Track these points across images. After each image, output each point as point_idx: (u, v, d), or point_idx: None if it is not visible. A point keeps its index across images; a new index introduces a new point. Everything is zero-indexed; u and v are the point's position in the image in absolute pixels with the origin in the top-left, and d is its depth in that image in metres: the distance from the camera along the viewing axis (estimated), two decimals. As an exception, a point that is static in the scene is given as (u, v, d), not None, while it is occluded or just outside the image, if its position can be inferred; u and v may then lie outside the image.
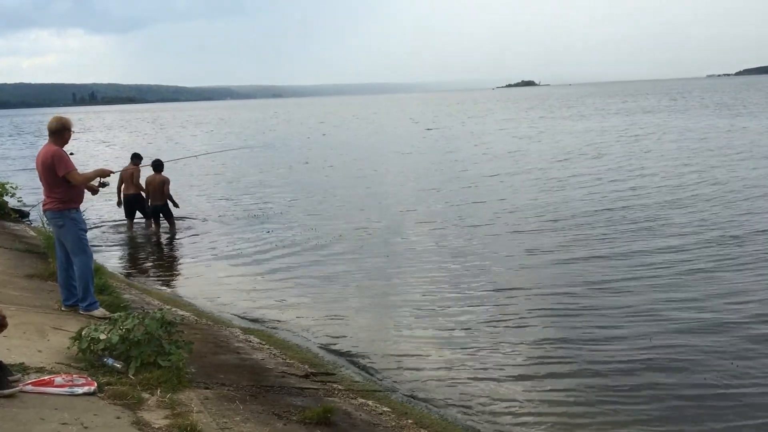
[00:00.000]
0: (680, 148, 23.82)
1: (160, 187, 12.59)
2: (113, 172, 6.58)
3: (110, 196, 16.43)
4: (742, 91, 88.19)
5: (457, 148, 28.23)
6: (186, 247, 11.97)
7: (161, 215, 12.93)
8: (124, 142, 42.30)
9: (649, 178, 16.98)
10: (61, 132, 6.06)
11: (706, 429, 4.98)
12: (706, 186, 15.36)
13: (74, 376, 4.31)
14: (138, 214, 13.16)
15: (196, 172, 22.64)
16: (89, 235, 7.32)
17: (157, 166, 12.70)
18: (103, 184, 6.45)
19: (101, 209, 15.95)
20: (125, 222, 13.32)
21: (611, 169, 18.96)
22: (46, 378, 4.19)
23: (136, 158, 13.05)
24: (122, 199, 12.94)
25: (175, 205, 13.01)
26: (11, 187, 13.30)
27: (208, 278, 9.75)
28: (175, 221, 13.07)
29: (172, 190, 12.94)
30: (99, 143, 42.90)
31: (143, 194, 12.93)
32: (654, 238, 10.62)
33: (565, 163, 21.48)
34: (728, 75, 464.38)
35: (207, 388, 4.74)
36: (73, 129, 6.24)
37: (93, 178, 6.30)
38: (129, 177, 12.74)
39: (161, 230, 13.03)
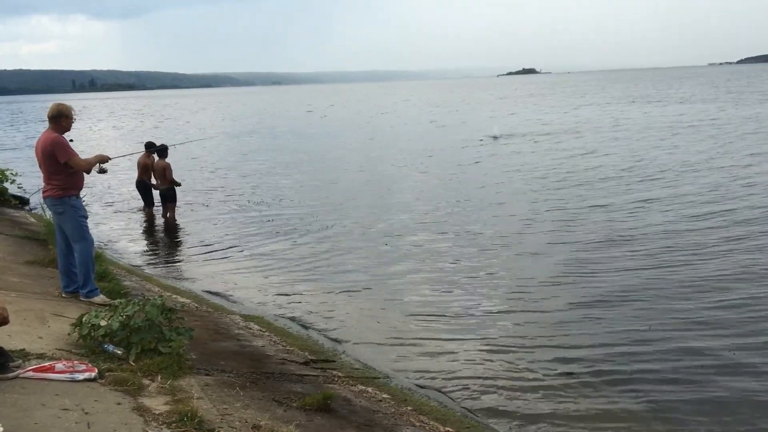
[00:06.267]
0: None
1: (162, 172, 12.72)
2: (111, 158, 6.61)
3: (112, 182, 16.48)
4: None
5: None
6: (187, 233, 11.98)
7: (164, 199, 13.07)
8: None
9: None
10: (61, 119, 6.04)
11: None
12: None
13: (75, 362, 4.32)
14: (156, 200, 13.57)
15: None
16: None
17: (160, 150, 12.79)
18: (103, 170, 6.47)
19: (103, 196, 15.99)
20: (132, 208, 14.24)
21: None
22: (46, 364, 4.19)
23: (148, 147, 13.31)
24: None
25: (177, 183, 13.07)
26: (11, 173, 13.28)
27: (209, 265, 9.76)
28: (175, 206, 13.12)
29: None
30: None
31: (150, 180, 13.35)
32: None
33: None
34: (729, 63, 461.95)
35: (207, 375, 4.76)
36: (74, 117, 6.22)
37: (94, 164, 6.34)
38: (139, 165, 13.23)
39: (158, 215, 13.26)
